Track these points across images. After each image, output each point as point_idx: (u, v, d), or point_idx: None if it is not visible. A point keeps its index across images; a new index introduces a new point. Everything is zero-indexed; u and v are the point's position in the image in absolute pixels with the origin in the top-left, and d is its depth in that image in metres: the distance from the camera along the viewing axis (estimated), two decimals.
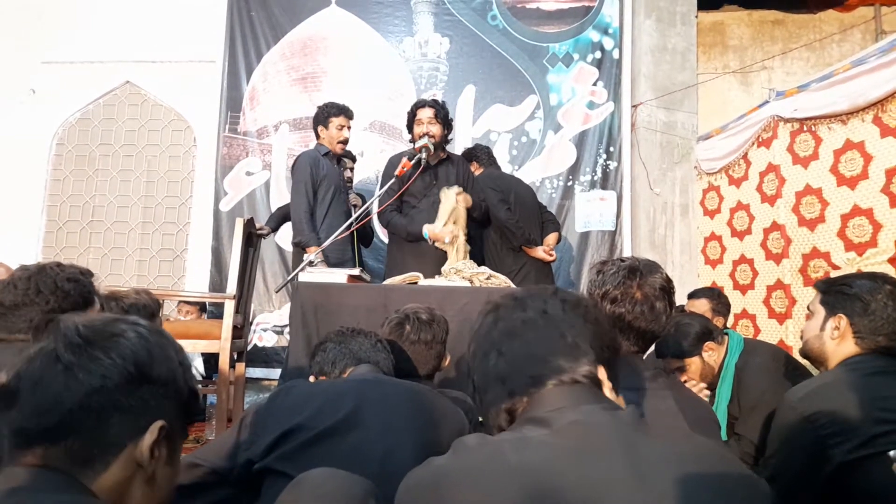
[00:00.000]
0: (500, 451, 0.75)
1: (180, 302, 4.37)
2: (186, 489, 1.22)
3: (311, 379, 1.63)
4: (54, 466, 0.73)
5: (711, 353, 2.29)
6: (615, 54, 4.69)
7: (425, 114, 3.22)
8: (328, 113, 3.51)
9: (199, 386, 0.81)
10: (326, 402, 1.28)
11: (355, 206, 3.60)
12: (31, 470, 0.72)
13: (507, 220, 3.43)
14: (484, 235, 3.58)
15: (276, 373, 4.39)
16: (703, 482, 0.73)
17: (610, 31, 4.72)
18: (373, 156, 4.75)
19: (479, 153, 3.79)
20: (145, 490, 0.78)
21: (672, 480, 0.71)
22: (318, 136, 3.56)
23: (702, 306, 2.92)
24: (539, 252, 3.51)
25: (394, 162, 3.33)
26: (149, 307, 1.86)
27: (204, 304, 4.36)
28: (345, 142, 3.55)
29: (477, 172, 3.67)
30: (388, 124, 4.82)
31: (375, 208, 3.27)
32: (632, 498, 0.70)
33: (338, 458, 1.18)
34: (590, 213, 4.56)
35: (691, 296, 3.09)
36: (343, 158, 3.76)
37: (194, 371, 4.12)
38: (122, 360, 0.76)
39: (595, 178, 4.61)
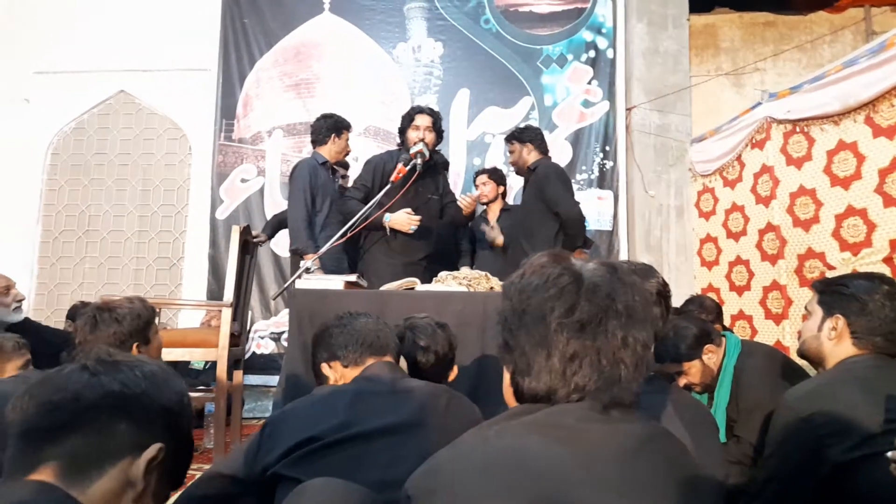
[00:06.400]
0: (484, 439, 0.80)
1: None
2: (211, 499, 1.25)
3: (325, 366, 1.59)
4: (49, 482, 0.77)
5: (711, 356, 2.26)
6: (609, 54, 4.72)
7: (423, 121, 3.23)
8: (345, 125, 3.55)
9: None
10: (346, 415, 1.30)
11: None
12: (26, 484, 0.77)
13: (581, 219, 3.38)
14: (532, 229, 3.45)
15: (274, 380, 4.37)
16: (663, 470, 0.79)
17: (603, 30, 4.75)
18: None
19: (535, 136, 3.57)
20: None
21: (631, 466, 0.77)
22: (322, 144, 3.53)
23: None
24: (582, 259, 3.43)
25: (372, 162, 3.36)
26: (143, 315, 1.84)
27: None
28: (348, 154, 3.68)
29: (530, 156, 3.53)
30: (383, 129, 4.83)
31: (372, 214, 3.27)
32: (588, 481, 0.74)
33: (344, 465, 1.20)
34: (587, 212, 4.58)
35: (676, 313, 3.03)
36: (336, 167, 3.77)
37: None
38: (142, 375, 0.87)
39: (592, 176, 4.63)
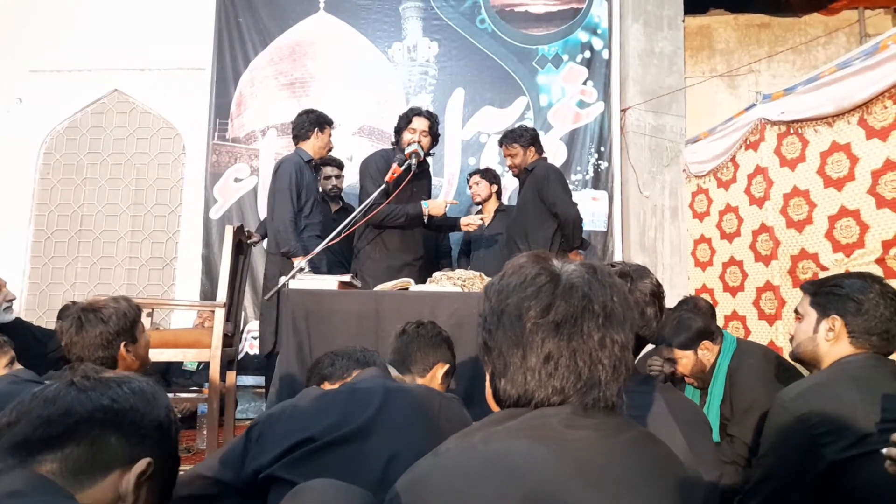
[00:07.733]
0: (470, 446, 0.79)
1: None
2: (192, 499, 1.23)
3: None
4: (45, 476, 0.79)
5: (706, 353, 2.33)
6: (604, 54, 4.73)
7: (420, 124, 3.22)
8: (327, 121, 3.52)
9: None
10: (341, 414, 1.29)
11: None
12: (19, 475, 0.78)
13: (579, 220, 3.41)
14: (529, 229, 3.48)
15: None
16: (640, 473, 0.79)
17: (599, 31, 4.75)
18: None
19: (536, 138, 3.63)
20: None
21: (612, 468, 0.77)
22: (304, 139, 3.49)
23: None
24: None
25: (369, 162, 3.35)
26: (129, 314, 1.82)
27: None
28: (329, 151, 3.65)
29: (532, 159, 3.58)
30: (377, 129, 4.82)
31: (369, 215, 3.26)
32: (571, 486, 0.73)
33: (341, 466, 1.18)
34: (582, 212, 4.58)
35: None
36: (322, 167, 3.75)
37: None
38: (130, 391, 0.90)
39: (587, 177, 4.63)
